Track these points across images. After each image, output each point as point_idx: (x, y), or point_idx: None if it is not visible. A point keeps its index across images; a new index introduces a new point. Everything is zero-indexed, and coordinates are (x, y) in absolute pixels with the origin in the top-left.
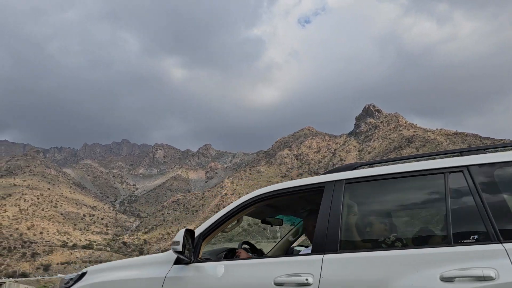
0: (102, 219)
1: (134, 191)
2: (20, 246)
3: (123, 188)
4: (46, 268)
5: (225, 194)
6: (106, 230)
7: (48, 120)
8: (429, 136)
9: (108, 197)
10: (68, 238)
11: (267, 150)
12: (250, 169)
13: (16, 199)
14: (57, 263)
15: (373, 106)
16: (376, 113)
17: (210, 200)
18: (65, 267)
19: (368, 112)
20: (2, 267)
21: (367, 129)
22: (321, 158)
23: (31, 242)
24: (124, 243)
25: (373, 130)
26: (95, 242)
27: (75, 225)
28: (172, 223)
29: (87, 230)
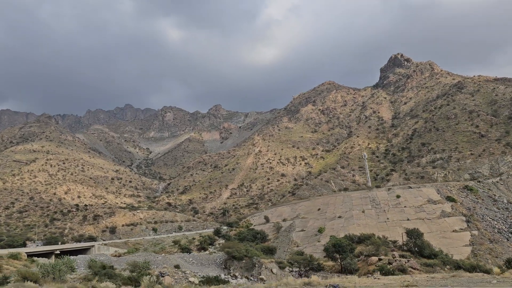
0: (130, 182)
1: (148, 155)
2: (74, 210)
3: (137, 152)
4: (112, 230)
5: (259, 151)
6: (138, 193)
7: (48, 88)
8: (480, 81)
9: (124, 161)
10: (105, 202)
11: (287, 107)
12: (278, 126)
13: (42, 165)
14: (123, 225)
15: (401, 55)
16: (405, 63)
17: (244, 158)
18: (131, 229)
19: (395, 62)
20: (66, 231)
21: (397, 79)
22: (350, 112)
23: (86, 205)
24: (169, 204)
25: (405, 80)
26: (131, 204)
27: (106, 188)
28: (209, 182)
29: (119, 193)
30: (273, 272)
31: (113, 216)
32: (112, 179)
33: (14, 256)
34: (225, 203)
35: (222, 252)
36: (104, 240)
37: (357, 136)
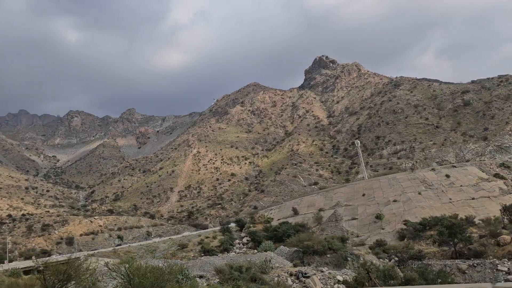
0: (48, 191)
1: (55, 163)
2: (8, 221)
3: (42, 161)
4: (70, 241)
5: (198, 152)
6: (59, 202)
7: None
8: (416, 78)
9: (28, 171)
10: (28, 213)
11: (212, 108)
12: (210, 127)
13: None
14: (81, 235)
15: (326, 57)
16: (331, 64)
17: (182, 160)
18: (93, 238)
19: (320, 63)
20: (10, 246)
21: (324, 80)
22: (281, 112)
23: (27, 214)
24: (111, 211)
25: (333, 80)
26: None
27: (22, 199)
28: (147, 187)
29: (38, 204)
30: (373, 264)
31: (66, 225)
32: (27, 188)
33: (16, 274)
34: (182, 206)
35: (279, 248)
36: (60, 254)
37: (299, 134)
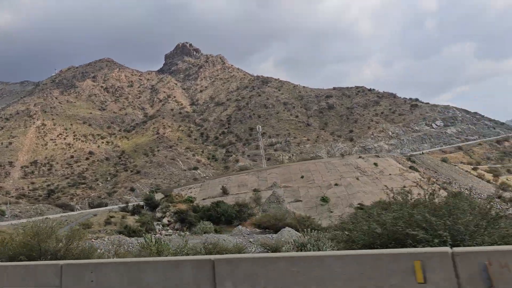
0: None
1: None
2: None
3: None
4: None
5: (43, 125)
6: None
7: None
8: (285, 81)
9: None
10: None
11: (55, 79)
12: (57, 98)
13: None
14: None
15: (190, 45)
16: (195, 53)
17: (21, 132)
18: None
19: (184, 50)
20: None
21: (187, 67)
22: (139, 93)
23: None
24: None
25: (196, 69)
26: None
27: None
28: None
29: None
30: None
31: None
32: None
33: None
34: (33, 183)
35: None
36: None
37: (163, 118)
